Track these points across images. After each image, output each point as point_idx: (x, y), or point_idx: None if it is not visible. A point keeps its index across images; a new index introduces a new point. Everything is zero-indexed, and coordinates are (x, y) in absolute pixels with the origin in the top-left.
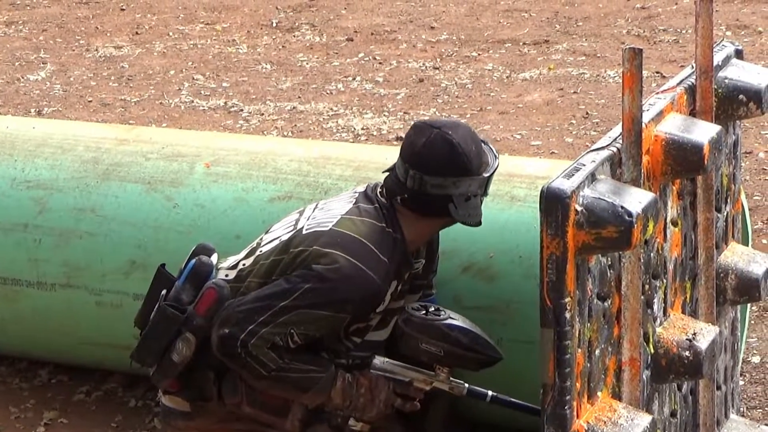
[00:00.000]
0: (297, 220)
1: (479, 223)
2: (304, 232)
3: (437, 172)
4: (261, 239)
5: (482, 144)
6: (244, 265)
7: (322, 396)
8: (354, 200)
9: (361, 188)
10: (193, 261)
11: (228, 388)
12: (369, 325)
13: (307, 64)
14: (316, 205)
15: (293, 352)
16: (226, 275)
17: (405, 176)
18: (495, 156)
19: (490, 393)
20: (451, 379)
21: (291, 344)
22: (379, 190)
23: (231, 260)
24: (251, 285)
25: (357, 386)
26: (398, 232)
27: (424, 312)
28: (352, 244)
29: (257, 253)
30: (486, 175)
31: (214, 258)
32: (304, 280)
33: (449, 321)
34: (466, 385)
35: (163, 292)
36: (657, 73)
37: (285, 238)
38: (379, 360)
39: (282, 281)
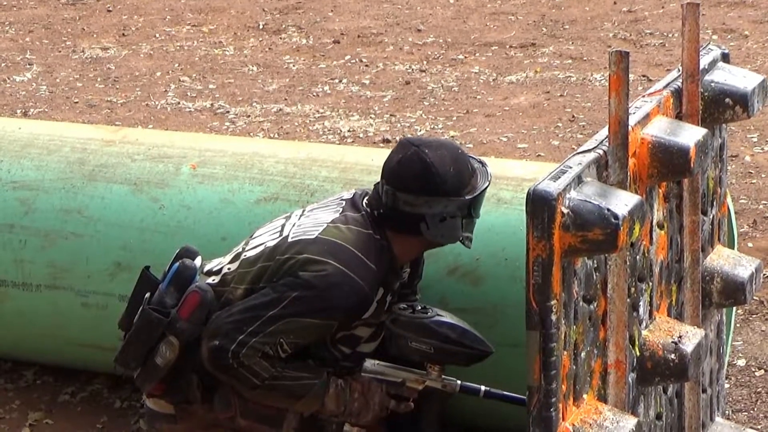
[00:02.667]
0: (283, 226)
1: (456, 240)
2: (290, 239)
3: (408, 190)
4: (246, 243)
5: (470, 165)
6: (229, 269)
7: (315, 403)
8: (341, 208)
9: (348, 194)
10: (177, 264)
11: (221, 402)
12: (357, 336)
13: (293, 66)
14: (303, 211)
15: (285, 361)
16: (213, 279)
17: (381, 191)
18: (486, 178)
19: (483, 388)
20: (443, 376)
21: (281, 353)
22: (366, 199)
23: (215, 263)
24: (236, 292)
25: (350, 391)
26: (384, 239)
27: (410, 311)
28: (338, 251)
29: (242, 258)
30: (467, 197)
31: (197, 261)
32: (291, 288)
33: (437, 318)
34: (459, 381)
35: (147, 295)
36: (643, 76)
37: (271, 244)
38: (369, 363)
39: (269, 290)
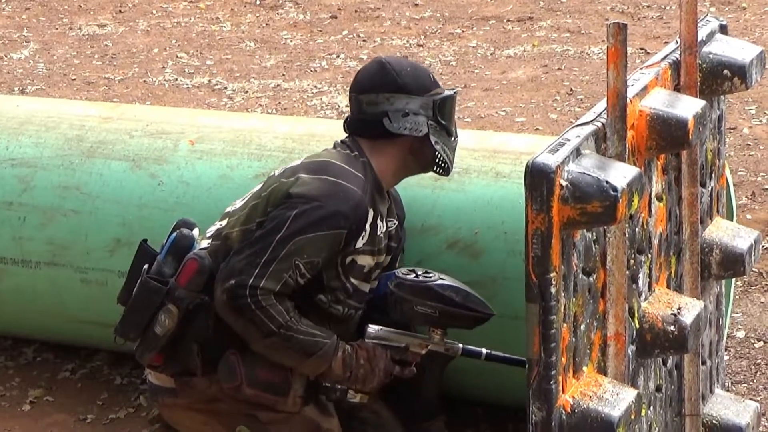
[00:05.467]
0: (263, 182)
1: (426, 141)
2: (275, 174)
3: (368, 90)
4: (231, 205)
5: (433, 78)
6: (220, 225)
7: (324, 363)
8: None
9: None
10: (174, 234)
11: (226, 372)
12: (360, 265)
13: (290, 41)
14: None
15: (299, 313)
16: (207, 243)
17: (349, 104)
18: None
19: (484, 351)
20: (446, 340)
21: (300, 279)
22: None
23: (208, 232)
24: (233, 235)
25: (356, 357)
26: (364, 156)
27: (414, 275)
28: (325, 165)
29: (229, 211)
30: (430, 97)
31: (195, 232)
32: (289, 208)
33: (440, 281)
34: (461, 345)
35: (145, 267)
36: (641, 49)
37: (256, 189)
38: (373, 329)
39: (268, 221)
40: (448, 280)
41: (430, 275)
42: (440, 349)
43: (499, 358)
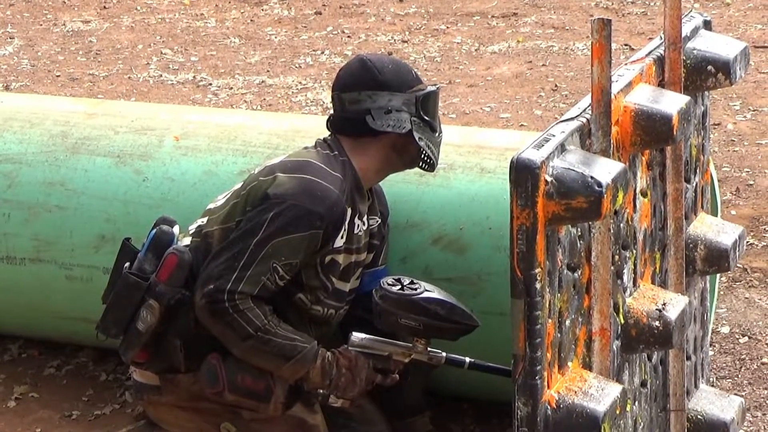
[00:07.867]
0: (244, 180)
1: (409, 137)
2: (255, 172)
3: (350, 88)
4: (212, 202)
5: (415, 74)
6: (202, 222)
7: (302, 368)
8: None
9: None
10: (154, 231)
11: (208, 378)
12: (338, 263)
13: (275, 37)
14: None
15: (278, 318)
16: (188, 240)
17: (332, 103)
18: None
19: (467, 360)
20: (429, 349)
21: (279, 281)
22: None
23: (190, 229)
24: (214, 234)
25: (337, 366)
26: (344, 156)
27: (399, 287)
28: (303, 165)
29: (210, 209)
30: (412, 93)
31: (175, 229)
32: (266, 210)
33: (426, 294)
34: (444, 354)
35: (127, 264)
36: (626, 45)
37: (236, 187)
38: (357, 337)
39: (245, 222)
40: (433, 292)
41: (416, 287)
42: (423, 358)
43: (482, 367)
